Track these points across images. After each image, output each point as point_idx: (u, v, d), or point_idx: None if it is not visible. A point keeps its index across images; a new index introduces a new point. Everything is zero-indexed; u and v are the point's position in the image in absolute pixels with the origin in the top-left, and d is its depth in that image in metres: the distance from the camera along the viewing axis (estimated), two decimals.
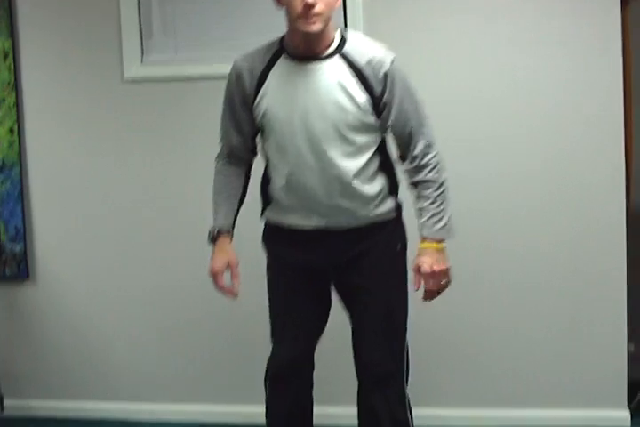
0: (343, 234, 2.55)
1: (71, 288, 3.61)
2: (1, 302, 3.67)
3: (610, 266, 3.24)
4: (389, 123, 2.49)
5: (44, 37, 3.50)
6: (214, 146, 2.70)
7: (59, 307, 3.62)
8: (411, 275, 2.55)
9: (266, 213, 2.66)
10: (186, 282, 3.48)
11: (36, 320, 3.65)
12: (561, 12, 3.19)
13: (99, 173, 3.53)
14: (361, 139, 2.48)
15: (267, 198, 2.64)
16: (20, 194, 3.58)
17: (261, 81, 2.50)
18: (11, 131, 3.56)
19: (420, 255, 2.51)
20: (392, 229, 2.59)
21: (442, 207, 2.52)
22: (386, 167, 2.58)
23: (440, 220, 2.51)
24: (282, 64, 2.49)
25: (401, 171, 2.59)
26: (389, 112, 2.47)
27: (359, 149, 2.48)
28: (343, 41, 2.48)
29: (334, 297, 2.70)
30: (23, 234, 3.60)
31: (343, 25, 3.24)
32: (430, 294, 2.54)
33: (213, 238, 2.63)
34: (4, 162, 3.58)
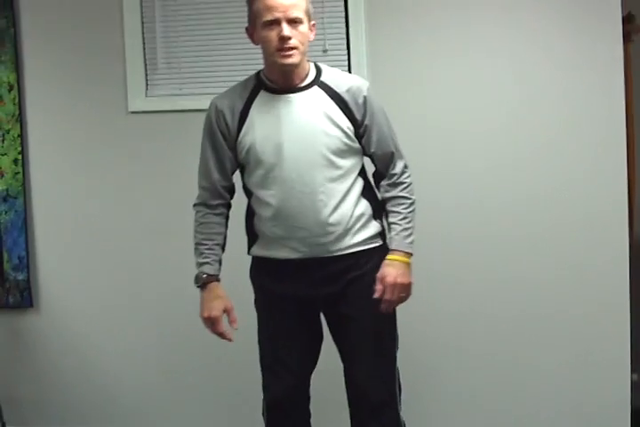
0: (331, 263, 2.60)
1: (74, 317, 3.63)
2: (4, 330, 3.70)
3: (613, 295, 3.25)
4: (372, 145, 2.60)
5: (49, 70, 3.54)
6: None
7: (62, 335, 3.65)
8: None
9: (252, 249, 2.71)
10: (189, 311, 3.45)
11: (40, 348, 3.67)
12: (562, 46, 3.23)
13: (101, 203, 3.57)
14: (346, 162, 2.57)
15: (253, 234, 2.69)
16: (24, 224, 3.62)
17: (243, 117, 2.58)
18: (15, 162, 3.60)
19: (387, 266, 2.58)
20: (378, 258, 2.63)
21: (411, 224, 2.64)
22: (369, 191, 2.67)
23: (409, 235, 2.62)
24: (262, 98, 2.58)
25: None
26: (370, 135, 2.59)
27: (345, 173, 2.57)
28: (319, 72, 2.60)
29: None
30: (27, 263, 3.63)
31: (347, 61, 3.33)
32: (389, 305, 2.59)
33: (203, 284, 2.64)
34: (8, 192, 3.62)
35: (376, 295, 2.55)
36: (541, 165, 3.28)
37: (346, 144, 2.56)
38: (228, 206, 2.73)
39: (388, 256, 2.59)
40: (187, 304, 3.46)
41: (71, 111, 3.55)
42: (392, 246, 2.61)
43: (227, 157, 2.63)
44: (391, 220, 2.63)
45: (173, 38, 3.46)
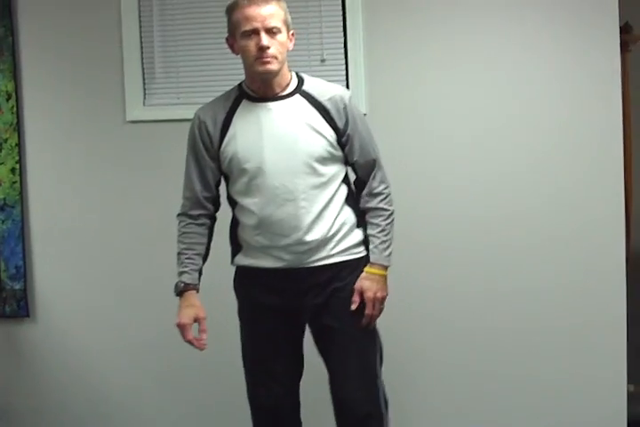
0: (315, 274, 2.61)
1: (71, 327, 3.62)
2: (1, 339, 3.68)
3: (610, 306, 3.26)
4: (355, 153, 2.62)
5: (47, 79, 3.54)
6: None
7: (58, 345, 3.64)
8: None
9: (236, 258, 2.71)
10: None
11: (36, 358, 3.66)
12: (560, 56, 3.24)
13: (99, 213, 3.57)
14: (329, 170, 2.59)
15: (236, 244, 2.70)
16: (21, 233, 3.61)
17: (226, 126, 2.60)
18: (12, 171, 3.60)
19: (366, 280, 2.61)
20: (360, 270, 2.65)
21: (389, 236, 2.66)
22: (352, 199, 2.68)
23: (387, 248, 2.64)
24: (244, 108, 2.60)
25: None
26: (353, 144, 2.61)
27: (328, 180, 2.59)
28: (301, 81, 2.62)
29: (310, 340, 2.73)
30: (23, 273, 3.62)
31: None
32: (371, 319, 2.62)
33: (180, 292, 2.69)
34: (5, 201, 3.61)
35: (353, 307, 2.59)
36: (539, 174, 3.28)
37: (329, 152, 2.58)
38: (212, 218, 2.74)
39: (367, 269, 2.63)
40: None
41: (69, 120, 3.55)
42: (371, 259, 2.64)
43: (208, 167, 2.65)
44: (370, 232, 2.66)
45: (171, 48, 3.47)
